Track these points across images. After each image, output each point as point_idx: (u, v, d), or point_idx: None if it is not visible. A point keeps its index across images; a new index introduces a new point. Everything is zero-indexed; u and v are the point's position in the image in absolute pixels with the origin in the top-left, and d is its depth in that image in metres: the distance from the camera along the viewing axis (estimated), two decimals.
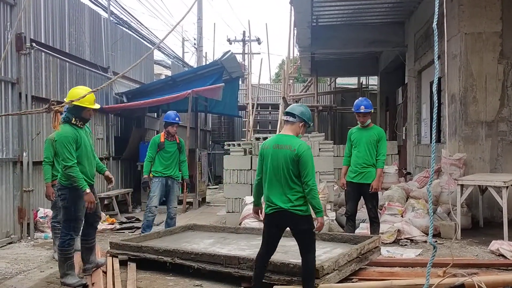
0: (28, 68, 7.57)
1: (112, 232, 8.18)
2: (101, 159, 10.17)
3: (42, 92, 8.12)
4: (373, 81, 20.06)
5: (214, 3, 67.42)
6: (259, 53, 26.92)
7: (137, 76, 12.93)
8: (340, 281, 4.57)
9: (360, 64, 17.06)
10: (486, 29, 8.23)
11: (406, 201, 7.77)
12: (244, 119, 18.64)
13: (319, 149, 8.16)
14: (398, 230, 6.81)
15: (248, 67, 20.02)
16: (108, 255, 5.73)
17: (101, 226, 7.77)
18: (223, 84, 11.39)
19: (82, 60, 9.61)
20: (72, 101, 4.65)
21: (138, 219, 9.27)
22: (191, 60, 23.73)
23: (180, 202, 11.18)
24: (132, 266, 5.42)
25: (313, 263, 4.16)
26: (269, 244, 4.31)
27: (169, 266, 5.28)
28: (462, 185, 6.97)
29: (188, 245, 5.89)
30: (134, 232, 8.00)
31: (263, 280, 4.39)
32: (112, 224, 8.62)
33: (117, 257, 5.66)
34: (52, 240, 6.48)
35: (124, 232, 8.16)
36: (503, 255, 5.78)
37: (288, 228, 4.25)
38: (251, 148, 8.91)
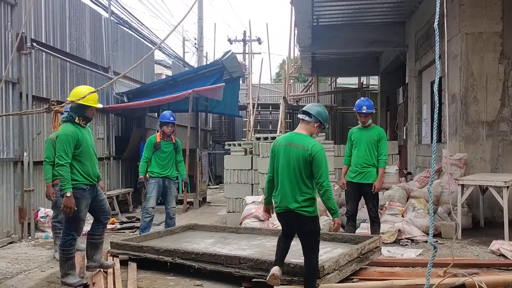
0: (29, 68, 7.58)
1: (112, 232, 8.19)
2: (101, 159, 10.21)
3: (42, 92, 8.12)
4: (374, 81, 20.05)
5: (214, 3, 67.43)
6: (260, 53, 27.03)
7: (138, 76, 12.93)
8: (341, 281, 4.57)
9: (361, 64, 17.05)
10: (487, 29, 8.23)
11: (407, 201, 7.77)
12: (244, 119, 18.65)
13: None
14: (399, 230, 6.80)
15: (248, 67, 20.01)
16: (108, 255, 5.74)
17: None
18: (224, 84, 11.40)
19: (82, 60, 9.61)
20: (78, 99, 4.66)
21: (138, 219, 9.25)
22: (192, 60, 23.77)
23: (180, 202, 11.21)
24: (132, 265, 5.42)
25: (315, 264, 4.16)
26: (287, 233, 4.39)
27: (169, 266, 5.28)
28: (462, 185, 6.97)
29: (189, 245, 5.89)
30: (134, 232, 8.01)
31: (263, 280, 4.39)
32: (113, 224, 8.62)
33: (117, 257, 5.67)
34: (52, 240, 6.49)
35: (124, 232, 8.17)
36: (503, 255, 5.77)
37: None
38: (252, 148, 8.92)
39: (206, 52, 23.69)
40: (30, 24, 7.72)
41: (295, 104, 19.44)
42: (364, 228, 6.89)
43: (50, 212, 7.03)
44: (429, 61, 10.30)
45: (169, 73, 17.91)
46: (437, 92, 3.49)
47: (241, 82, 17.22)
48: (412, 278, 4.64)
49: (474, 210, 7.84)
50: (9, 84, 7.22)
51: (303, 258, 4.24)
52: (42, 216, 7.67)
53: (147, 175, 7.18)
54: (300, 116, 4.31)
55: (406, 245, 6.61)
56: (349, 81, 22.18)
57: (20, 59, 7.41)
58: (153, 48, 13.07)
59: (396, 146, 9.10)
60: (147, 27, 15.40)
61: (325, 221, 6.83)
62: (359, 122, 6.45)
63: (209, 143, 19.51)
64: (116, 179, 11.23)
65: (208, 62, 18.78)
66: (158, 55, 18.65)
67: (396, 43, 12.72)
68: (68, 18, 9.04)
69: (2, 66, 7.11)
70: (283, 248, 4.35)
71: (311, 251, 4.14)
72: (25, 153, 7.45)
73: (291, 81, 19.61)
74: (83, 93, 4.75)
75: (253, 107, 17.35)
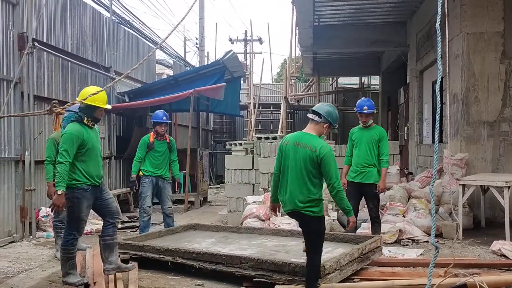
0: (30, 67, 7.59)
1: None
2: (103, 158, 10.19)
3: (44, 92, 8.13)
4: (375, 81, 20.05)
5: (216, 2, 67.44)
6: (261, 53, 27.07)
7: (139, 75, 12.94)
8: (342, 281, 4.57)
9: (362, 64, 17.04)
10: (488, 29, 8.22)
11: (408, 201, 7.77)
12: (245, 119, 18.66)
13: None
14: (400, 230, 6.80)
15: (250, 67, 20.03)
16: None
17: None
18: (225, 83, 11.40)
19: (84, 60, 9.62)
20: (84, 99, 4.67)
21: None
22: (193, 60, 23.73)
23: (181, 202, 11.23)
24: (133, 265, 5.42)
25: (318, 264, 4.16)
26: None
27: (170, 266, 5.29)
28: (464, 185, 6.97)
29: (190, 244, 5.90)
30: (135, 231, 8.01)
31: (264, 280, 4.39)
32: None
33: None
34: (54, 239, 6.49)
35: (125, 232, 8.17)
36: (504, 255, 5.77)
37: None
38: (253, 148, 8.92)
39: (207, 52, 23.74)
40: (31, 23, 7.73)
41: (296, 104, 19.46)
42: (365, 228, 6.89)
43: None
44: (430, 61, 10.29)
45: (170, 72, 17.92)
46: (438, 92, 3.50)
47: (242, 82, 17.22)
48: (413, 278, 4.64)
49: (475, 210, 7.84)
50: (11, 83, 7.22)
51: (303, 258, 4.23)
52: (43, 216, 7.67)
53: (140, 173, 7.12)
54: (309, 115, 4.24)
55: (407, 245, 6.60)
56: (350, 81, 22.18)
57: (22, 58, 7.42)
58: (154, 47, 13.08)
59: (397, 146, 9.09)
60: (148, 27, 15.42)
61: (326, 221, 6.83)
62: (360, 122, 6.45)
63: (210, 143, 19.51)
64: (117, 178, 11.23)
65: (209, 62, 18.78)
66: (160, 54, 18.67)
67: (397, 43, 12.71)
68: (69, 18, 9.05)
69: (3, 66, 7.12)
70: None
71: (315, 251, 4.13)
72: (26, 153, 7.46)
73: (292, 81, 19.62)
74: (93, 94, 4.77)
75: (254, 107, 17.37)
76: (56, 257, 6.16)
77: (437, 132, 3.55)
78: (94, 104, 4.81)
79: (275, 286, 4.48)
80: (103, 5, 11.49)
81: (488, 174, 7.79)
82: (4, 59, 7.14)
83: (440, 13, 3.32)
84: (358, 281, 4.76)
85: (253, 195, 8.31)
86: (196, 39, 23.36)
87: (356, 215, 6.40)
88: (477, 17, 8.23)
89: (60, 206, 4.61)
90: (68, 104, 5.33)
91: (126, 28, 12.52)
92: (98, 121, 5.04)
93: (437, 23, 3.22)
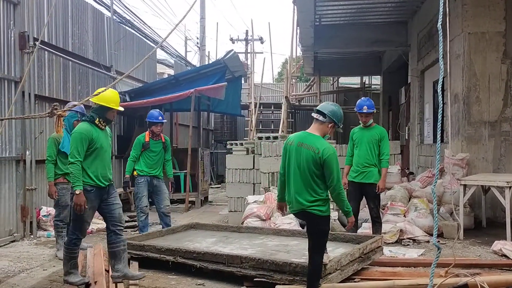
0: (31, 66, 7.59)
1: None
2: None
3: (45, 91, 8.13)
4: (376, 80, 20.04)
5: (217, 2, 67.40)
6: (262, 52, 26.96)
7: (140, 75, 12.94)
8: (343, 281, 4.57)
9: (363, 63, 17.04)
10: (490, 28, 8.21)
11: (409, 201, 7.76)
12: (246, 119, 18.65)
13: None
14: (401, 230, 6.80)
15: (250, 66, 20.01)
16: None
17: (103, 224, 7.77)
18: (226, 83, 11.39)
19: (85, 59, 9.62)
20: (91, 96, 4.67)
21: None
22: (194, 59, 23.75)
23: (182, 201, 11.24)
24: (134, 265, 5.43)
25: (320, 264, 4.16)
26: None
27: (171, 265, 5.29)
28: (465, 185, 6.96)
29: (190, 244, 5.89)
30: (136, 230, 8.01)
31: (265, 280, 4.39)
32: None
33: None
34: (54, 239, 6.49)
35: (126, 231, 8.14)
36: (505, 256, 5.76)
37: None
38: (254, 148, 8.91)
39: (208, 51, 23.73)
40: (32, 23, 7.73)
41: (297, 103, 19.45)
42: (366, 228, 6.89)
43: (52, 210, 7.03)
44: (431, 61, 10.29)
45: (171, 72, 17.93)
46: (440, 92, 3.49)
47: (243, 81, 17.22)
48: (414, 278, 4.64)
49: (476, 210, 7.83)
50: (12, 83, 7.23)
51: (304, 258, 4.23)
52: (44, 215, 7.68)
53: (134, 173, 7.06)
54: (314, 115, 4.21)
55: (408, 245, 6.60)
56: (351, 81, 22.17)
57: (23, 58, 7.43)
58: (155, 47, 13.08)
59: (398, 146, 9.09)
60: (149, 26, 15.44)
61: None
62: (360, 122, 6.45)
63: (211, 143, 19.52)
64: (118, 178, 11.22)
65: (210, 62, 18.80)
66: (160, 54, 18.69)
67: (399, 42, 12.71)
68: (70, 17, 9.05)
69: (4, 65, 7.12)
70: None
71: (318, 251, 4.13)
72: (27, 152, 7.46)
73: (293, 80, 19.61)
74: (106, 95, 4.76)
75: (255, 107, 17.36)
76: (57, 256, 6.17)
77: (438, 132, 3.55)
78: (107, 105, 4.78)
79: (276, 286, 4.48)
80: (104, 5, 11.50)
81: (489, 174, 7.78)
82: (5, 58, 7.14)
83: (441, 13, 3.32)
84: (359, 281, 4.76)
85: (254, 194, 8.31)
86: (197, 38, 23.38)
87: (357, 215, 6.43)
88: (479, 17, 8.22)
89: (82, 205, 4.57)
90: (72, 105, 5.33)
91: (127, 27, 12.53)
92: (109, 122, 4.99)
93: (439, 23, 3.22)
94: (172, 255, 5.29)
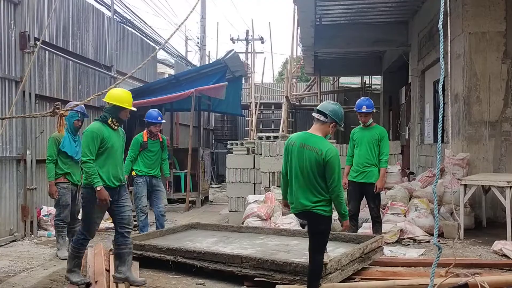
0: (32, 66, 7.59)
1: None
2: None
3: (45, 91, 8.14)
4: (377, 80, 20.03)
5: (217, 2, 67.38)
6: (262, 52, 26.87)
7: (141, 75, 12.95)
8: (343, 281, 4.57)
9: (364, 63, 17.04)
10: (490, 28, 8.21)
11: (409, 200, 7.76)
12: (247, 118, 18.66)
13: None
14: (401, 230, 6.80)
15: (251, 66, 20.01)
16: (111, 253, 5.75)
17: (104, 224, 7.79)
18: (226, 83, 11.39)
19: (85, 59, 9.62)
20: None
21: None
22: (194, 59, 23.73)
23: (183, 201, 11.24)
24: (135, 264, 5.42)
25: (321, 263, 4.16)
26: None
27: (171, 265, 5.29)
28: (465, 185, 6.96)
29: (191, 243, 5.90)
30: (136, 230, 8.01)
31: (265, 280, 4.39)
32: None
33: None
34: (55, 238, 6.50)
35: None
36: (506, 255, 5.76)
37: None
38: (254, 147, 8.92)
39: (209, 51, 23.73)
40: (33, 22, 7.73)
41: (297, 103, 19.44)
42: (366, 228, 6.89)
43: (53, 210, 7.04)
44: (432, 61, 10.29)
45: (172, 72, 17.93)
46: (441, 92, 3.49)
47: (243, 81, 17.22)
48: (414, 278, 4.64)
49: (477, 210, 7.83)
50: (12, 82, 7.23)
51: (304, 257, 4.23)
52: (45, 215, 7.68)
53: (133, 173, 7.01)
54: (315, 115, 4.17)
55: (408, 245, 6.60)
56: (351, 81, 22.17)
57: (23, 57, 7.43)
58: (156, 47, 13.09)
59: (398, 145, 9.09)
60: (150, 26, 15.45)
61: None
62: (360, 122, 6.45)
63: (212, 142, 19.52)
64: None
65: (211, 61, 18.80)
66: (161, 54, 18.71)
67: (399, 42, 12.71)
68: (71, 17, 9.06)
69: (5, 65, 7.13)
70: None
71: (319, 250, 4.13)
72: (28, 152, 7.47)
73: (294, 80, 19.60)
74: (119, 95, 4.78)
75: (256, 106, 17.37)
76: (57, 255, 6.17)
77: (439, 132, 3.55)
78: (120, 105, 4.77)
79: (276, 286, 4.48)
80: (105, 4, 11.51)
81: (490, 174, 7.78)
82: (5, 58, 7.14)
83: (442, 13, 3.32)
84: (359, 281, 4.76)
85: (254, 194, 8.32)
86: (198, 38, 23.39)
87: (357, 215, 6.44)
88: (479, 17, 8.23)
89: (106, 199, 4.56)
90: (73, 104, 5.32)
91: (127, 27, 12.54)
92: (122, 122, 4.97)
93: (440, 23, 3.22)
94: (173, 254, 5.29)
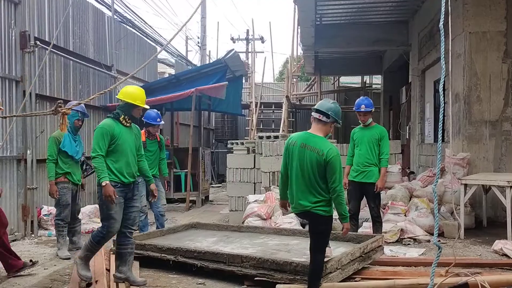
0: (32, 66, 7.59)
1: None
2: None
3: (46, 90, 8.14)
4: (377, 80, 20.03)
5: (217, 1, 67.35)
6: (263, 52, 26.94)
7: (141, 74, 12.93)
8: (343, 280, 4.57)
9: (364, 63, 17.04)
10: (491, 28, 8.21)
11: (410, 200, 7.76)
12: (247, 118, 18.67)
13: None
14: (401, 229, 6.80)
15: (251, 66, 20.02)
16: (111, 253, 5.75)
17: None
18: (227, 82, 11.39)
19: (86, 58, 9.62)
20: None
21: None
22: (195, 59, 23.70)
23: (183, 201, 11.24)
24: (135, 264, 5.42)
25: (322, 263, 4.16)
26: None
27: (172, 264, 5.29)
28: (465, 185, 6.96)
29: (191, 243, 5.90)
30: (136, 230, 8.00)
31: (266, 279, 4.39)
32: None
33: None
34: (55, 238, 6.50)
35: None
36: (506, 255, 5.77)
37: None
38: (254, 147, 8.92)
39: (209, 51, 23.70)
40: (33, 22, 7.73)
41: (298, 103, 19.46)
42: (366, 227, 6.90)
43: (53, 210, 7.04)
44: (432, 60, 10.28)
45: (172, 71, 17.92)
46: (441, 91, 3.49)
47: (244, 81, 17.22)
48: (414, 277, 4.64)
49: (477, 210, 7.83)
50: (13, 82, 7.23)
51: (305, 257, 4.23)
52: (45, 214, 7.68)
53: None
54: (315, 115, 4.15)
55: (409, 244, 6.60)
56: (352, 80, 22.17)
57: (24, 57, 7.43)
58: (157, 47, 13.09)
59: (399, 145, 9.09)
60: (150, 26, 15.45)
61: None
62: (359, 121, 6.45)
63: (212, 142, 19.53)
64: None
65: (211, 61, 18.79)
66: (161, 53, 18.66)
67: (399, 42, 12.71)
68: (71, 17, 9.05)
69: (5, 65, 7.13)
70: None
71: (319, 250, 4.12)
72: (28, 151, 7.47)
73: (294, 80, 19.61)
74: (133, 92, 4.79)
75: (256, 106, 17.38)
76: (57, 255, 6.17)
77: (440, 131, 3.55)
78: (133, 102, 4.78)
79: (277, 285, 4.48)
80: (105, 4, 11.50)
81: (490, 174, 7.78)
82: (6, 57, 7.14)
83: (443, 12, 3.31)
84: (359, 280, 4.76)
85: (254, 194, 8.32)
86: (198, 38, 23.35)
87: (357, 215, 6.44)
88: (480, 16, 8.22)
89: (112, 195, 4.52)
90: (75, 103, 5.31)
91: (128, 27, 12.53)
92: (135, 120, 4.94)
93: (441, 22, 3.21)
94: (173, 254, 5.29)
